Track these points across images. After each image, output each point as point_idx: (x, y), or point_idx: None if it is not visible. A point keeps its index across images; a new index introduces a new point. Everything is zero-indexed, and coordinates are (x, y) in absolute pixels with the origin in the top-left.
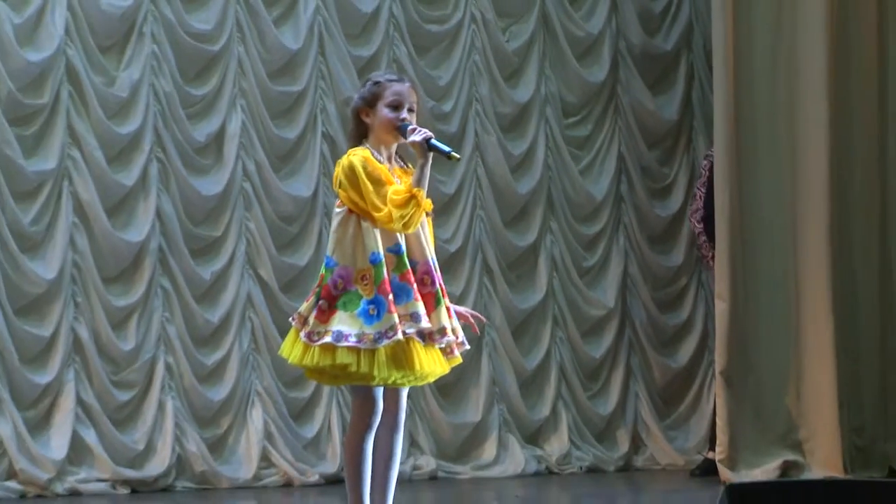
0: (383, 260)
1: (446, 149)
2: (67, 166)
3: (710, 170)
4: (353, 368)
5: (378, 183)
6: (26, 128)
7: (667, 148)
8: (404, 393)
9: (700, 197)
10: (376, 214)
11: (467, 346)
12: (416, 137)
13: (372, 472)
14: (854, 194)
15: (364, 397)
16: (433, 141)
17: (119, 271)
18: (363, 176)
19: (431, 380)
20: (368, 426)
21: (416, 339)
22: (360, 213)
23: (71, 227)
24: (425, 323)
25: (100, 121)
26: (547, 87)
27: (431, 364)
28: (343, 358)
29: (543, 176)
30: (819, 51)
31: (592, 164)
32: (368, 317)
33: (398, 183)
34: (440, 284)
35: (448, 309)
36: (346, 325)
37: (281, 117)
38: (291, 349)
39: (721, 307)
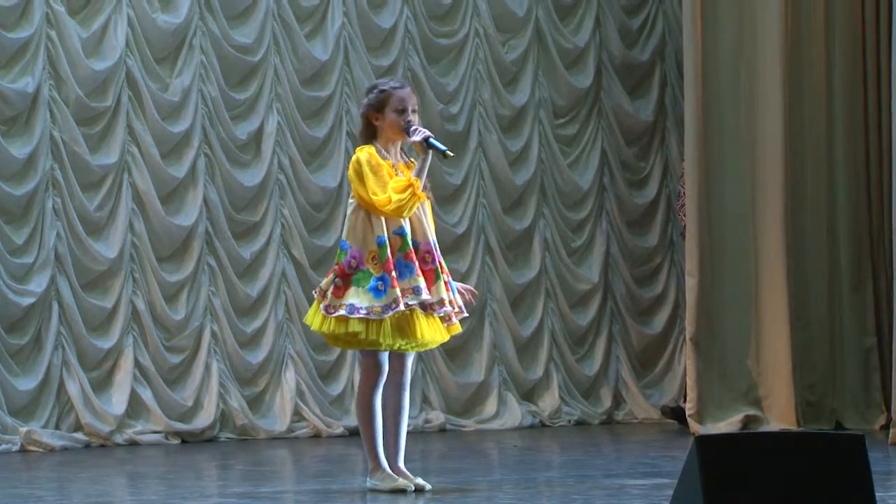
0: (387, 242)
1: (442, 147)
2: (127, 160)
3: None
4: (363, 336)
5: (377, 173)
6: (92, 127)
7: (643, 145)
8: (409, 357)
9: (685, 194)
10: (375, 199)
11: (466, 314)
12: (417, 137)
13: (384, 425)
14: (805, 183)
15: (371, 361)
16: (431, 140)
17: (171, 251)
18: (366, 168)
19: (432, 346)
20: (374, 385)
21: (419, 309)
22: (363, 204)
23: (130, 213)
24: (426, 295)
25: (155, 121)
26: (540, 93)
27: (431, 332)
28: (354, 327)
29: (537, 169)
30: (775, 61)
31: (579, 159)
32: (377, 292)
33: (401, 176)
34: (440, 262)
35: (446, 283)
36: (358, 299)
37: (311, 118)
38: (313, 318)
39: (691, 282)
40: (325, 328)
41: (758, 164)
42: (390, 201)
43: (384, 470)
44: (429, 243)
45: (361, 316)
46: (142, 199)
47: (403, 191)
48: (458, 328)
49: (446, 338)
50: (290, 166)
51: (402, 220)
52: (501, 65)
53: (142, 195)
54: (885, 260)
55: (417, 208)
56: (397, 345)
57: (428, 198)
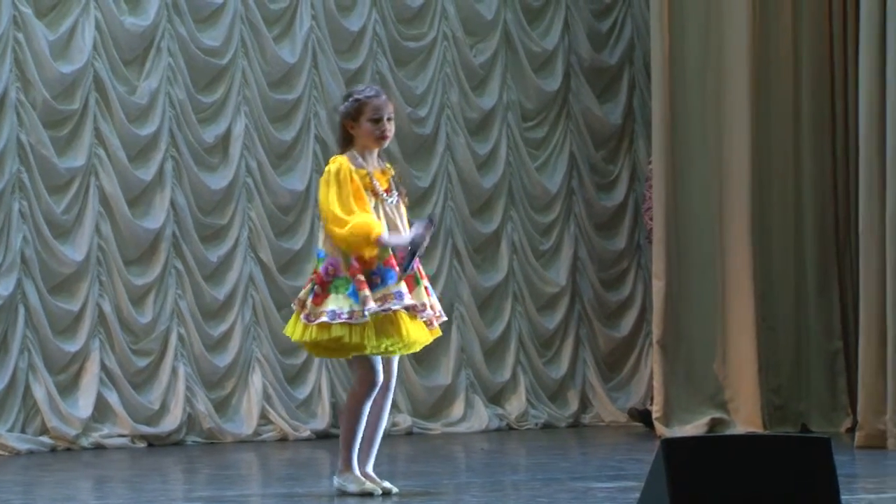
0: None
1: (410, 263)
2: (94, 163)
3: None
4: (347, 340)
5: (342, 188)
6: (59, 130)
7: (611, 148)
8: (395, 361)
9: (650, 197)
10: (331, 213)
11: (445, 318)
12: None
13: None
14: (772, 188)
15: (365, 367)
16: (416, 257)
17: (138, 254)
18: (332, 180)
19: (417, 348)
20: (368, 393)
21: (403, 311)
22: (322, 214)
23: (97, 216)
24: (409, 300)
25: (122, 124)
26: (508, 96)
27: (417, 332)
28: (337, 332)
29: (505, 172)
30: (742, 64)
31: (547, 162)
32: (357, 296)
33: (376, 185)
34: (418, 267)
35: (426, 288)
36: (338, 304)
37: (279, 121)
38: (294, 329)
39: (658, 285)
40: (306, 337)
41: (725, 167)
42: (344, 227)
43: (353, 472)
44: (406, 248)
45: (343, 321)
46: (109, 202)
47: (362, 232)
48: (438, 332)
49: (429, 339)
50: (257, 169)
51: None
52: (470, 68)
53: (109, 198)
54: (851, 264)
55: (392, 213)
56: (383, 346)
57: (404, 202)
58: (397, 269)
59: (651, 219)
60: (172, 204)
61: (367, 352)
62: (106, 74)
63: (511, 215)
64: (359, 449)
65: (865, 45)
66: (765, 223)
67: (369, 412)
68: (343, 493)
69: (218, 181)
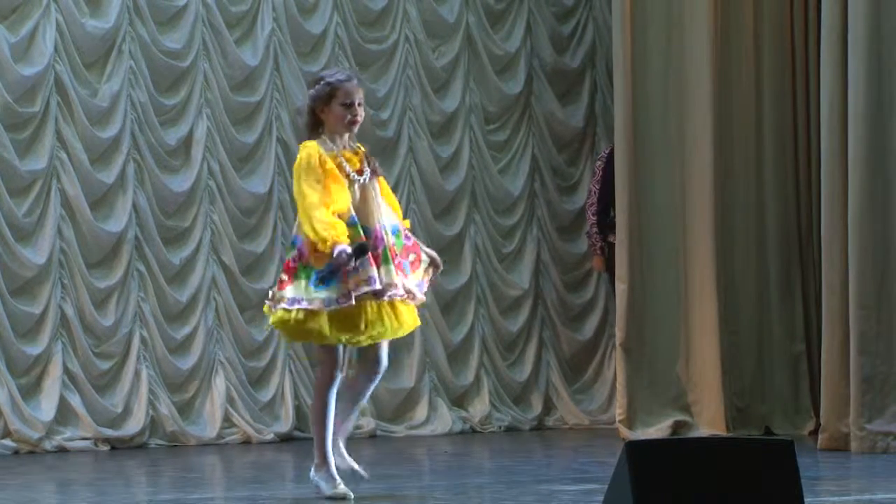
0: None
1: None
2: (56, 166)
3: (603, 169)
4: (307, 325)
5: (314, 175)
6: (20, 133)
7: (573, 151)
8: (383, 347)
9: (594, 192)
10: (304, 201)
11: (421, 300)
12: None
13: (338, 405)
14: (735, 191)
15: (325, 354)
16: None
17: (101, 257)
18: (304, 166)
19: (388, 337)
20: (331, 380)
21: (372, 298)
22: (297, 201)
23: (59, 219)
24: (377, 285)
25: (84, 127)
26: (471, 98)
27: (380, 325)
28: (298, 315)
29: (468, 175)
30: (704, 67)
31: (510, 165)
32: (317, 286)
33: (346, 167)
34: (387, 245)
35: (399, 266)
36: (296, 292)
37: (241, 124)
38: (267, 312)
39: (621, 288)
40: (273, 319)
41: (687, 170)
42: (314, 218)
43: (329, 468)
44: (378, 229)
45: (302, 307)
46: (71, 205)
47: (325, 233)
48: (416, 320)
49: (398, 332)
50: (219, 172)
51: (350, 208)
52: (432, 71)
53: (71, 201)
54: (814, 267)
55: (367, 191)
56: (343, 338)
57: (379, 173)
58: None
59: (593, 214)
60: (135, 206)
61: (328, 342)
62: (67, 77)
63: (474, 218)
64: (334, 424)
65: (827, 45)
66: (727, 226)
67: (348, 393)
68: (319, 496)
69: (180, 184)
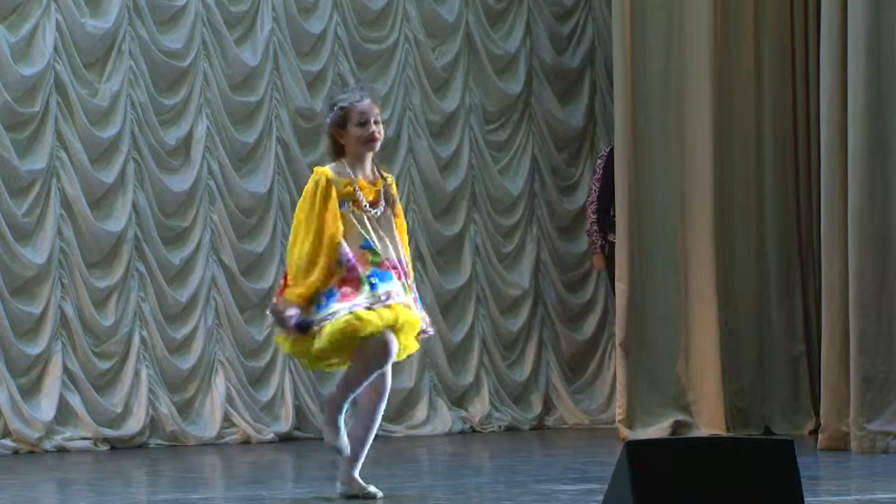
0: (351, 257)
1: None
2: (56, 166)
3: (603, 168)
4: (363, 318)
5: (312, 208)
6: (20, 133)
7: (573, 151)
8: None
9: (594, 191)
10: (295, 249)
11: (431, 333)
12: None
13: (354, 429)
14: (734, 191)
15: (369, 343)
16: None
17: (100, 257)
18: (306, 198)
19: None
20: (366, 372)
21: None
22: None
23: (58, 219)
24: (388, 300)
25: (84, 127)
26: (471, 98)
27: (403, 336)
28: (347, 318)
29: (468, 175)
30: (704, 67)
31: (510, 165)
32: (318, 306)
33: (359, 196)
34: (405, 278)
35: (414, 300)
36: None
37: (241, 124)
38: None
39: (621, 287)
40: (325, 337)
41: (687, 170)
42: (297, 268)
43: (339, 431)
44: (392, 260)
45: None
46: (70, 205)
47: (300, 287)
48: (416, 346)
49: (407, 350)
50: (219, 172)
51: (365, 233)
52: (431, 70)
53: (70, 201)
54: (813, 267)
55: (377, 225)
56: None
57: (395, 214)
58: (392, 270)
59: (593, 213)
60: (134, 206)
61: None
62: (67, 77)
63: (474, 218)
64: (351, 446)
65: (827, 45)
66: (727, 226)
67: (360, 415)
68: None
69: (180, 183)
